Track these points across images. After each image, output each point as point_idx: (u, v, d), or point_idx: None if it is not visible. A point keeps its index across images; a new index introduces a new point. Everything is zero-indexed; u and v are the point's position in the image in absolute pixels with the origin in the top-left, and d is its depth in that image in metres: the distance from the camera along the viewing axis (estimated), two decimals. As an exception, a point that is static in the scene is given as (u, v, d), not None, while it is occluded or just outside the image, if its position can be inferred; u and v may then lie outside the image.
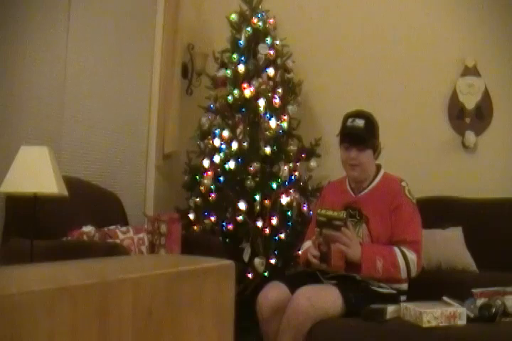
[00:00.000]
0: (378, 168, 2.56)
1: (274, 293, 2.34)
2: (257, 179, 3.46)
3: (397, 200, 2.42)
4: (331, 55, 4.02)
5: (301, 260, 2.58)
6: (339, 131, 2.51)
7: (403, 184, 2.48)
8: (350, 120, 2.46)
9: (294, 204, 3.51)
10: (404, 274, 2.32)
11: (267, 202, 3.43)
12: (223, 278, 1.45)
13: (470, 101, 3.66)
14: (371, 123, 2.48)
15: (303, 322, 2.19)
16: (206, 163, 3.61)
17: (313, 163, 3.73)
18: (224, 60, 3.81)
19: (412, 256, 2.33)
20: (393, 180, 2.52)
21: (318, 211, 2.34)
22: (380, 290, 2.37)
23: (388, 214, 2.41)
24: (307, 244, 2.60)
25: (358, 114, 2.49)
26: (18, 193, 2.46)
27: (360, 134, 2.44)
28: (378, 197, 2.46)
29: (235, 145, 3.52)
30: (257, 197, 3.43)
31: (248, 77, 3.62)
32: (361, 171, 2.48)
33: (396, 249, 2.33)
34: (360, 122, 2.44)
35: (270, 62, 3.69)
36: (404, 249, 2.33)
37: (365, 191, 2.51)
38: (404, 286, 2.45)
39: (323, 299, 2.23)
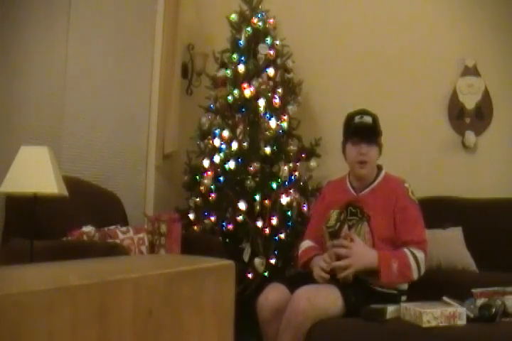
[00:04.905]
0: (379, 168, 2.60)
1: (274, 294, 2.33)
2: (257, 179, 3.46)
3: (403, 202, 2.45)
4: (331, 55, 4.02)
5: (300, 261, 2.57)
6: (345, 129, 2.55)
7: (406, 185, 2.51)
8: (358, 117, 2.50)
9: (294, 204, 3.51)
10: (416, 274, 2.35)
11: (267, 202, 3.43)
12: (223, 278, 1.45)
13: (470, 101, 3.66)
14: (377, 121, 2.54)
15: (302, 322, 2.18)
16: (206, 163, 3.61)
17: (313, 163, 3.73)
18: (224, 60, 3.81)
19: (420, 255, 2.36)
20: (396, 181, 2.55)
21: (324, 227, 2.35)
22: (380, 289, 2.37)
23: (391, 213, 2.43)
24: (306, 243, 2.61)
25: (365, 112, 2.53)
26: (18, 193, 2.46)
27: (371, 129, 2.49)
28: (380, 196, 2.47)
29: (235, 145, 3.52)
30: (257, 197, 3.43)
31: (248, 77, 3.62)
32: (369, 169, 2.51)
33: (406, 250, 2.35)
34: (368, 119, 2.50)
35: (270, 62, 3.69)
36: (413, 249, 2.35)
37: (367, 190, 2.53)
38: (404, 286, 2.45)
39: (323, 299, 2.23)
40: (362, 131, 2.49)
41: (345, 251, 2.29)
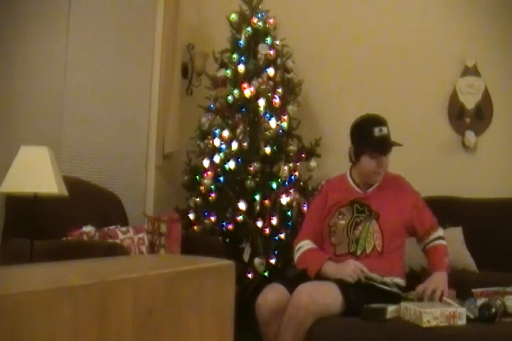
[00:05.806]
0: None
1: (272, 295, 2.32)
2: (257, 179, 3.46)
3: (414, 198, 2.56)
4: (331, 55, 4.02)
5: (301, 266, 2.52)
6: (361, 140, 2.49)
7: (406, 180, 2.61)
8: (377, 129, 2.44)
9: (294, 204, 3.51)
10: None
11: (267, 202, 3.43)
12: (223, 278, 1.45)
13: (470, 101, 3.66)
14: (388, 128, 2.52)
15: (304, 318, 2.18)
16: (206, 163, 3.61)
17: (313, 163, 3.73)
18: (224, 60, 3.81)
19: (443, 234, 2.54)
20: (396, 177, 2.62)
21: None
22: (379, 286, 2.37)
23: (401, 209, 2.48)
24: (307, 243, 2.56)
25: (380, 121, 2.49)
26: (18, 193, 2.46)
27: (389, 140, 2.48)
28: (388, 193, 2.51)
29: (235, 145, 3.52)
30: (257, 197, 3.43)
31: (248, 77, 3.62)
32: (383, 175, 2.55)
33: (443, 243, 2.51)
34: (385, 130, 2.46)
35: (270, 62, 3.69)
36: (440, 234, 2.53)
37: (373, 187, 2.54)
38: (403, 282, 2.47)
39: (324, 295, 2.22)
40: (384, 145, 2.46)
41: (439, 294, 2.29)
